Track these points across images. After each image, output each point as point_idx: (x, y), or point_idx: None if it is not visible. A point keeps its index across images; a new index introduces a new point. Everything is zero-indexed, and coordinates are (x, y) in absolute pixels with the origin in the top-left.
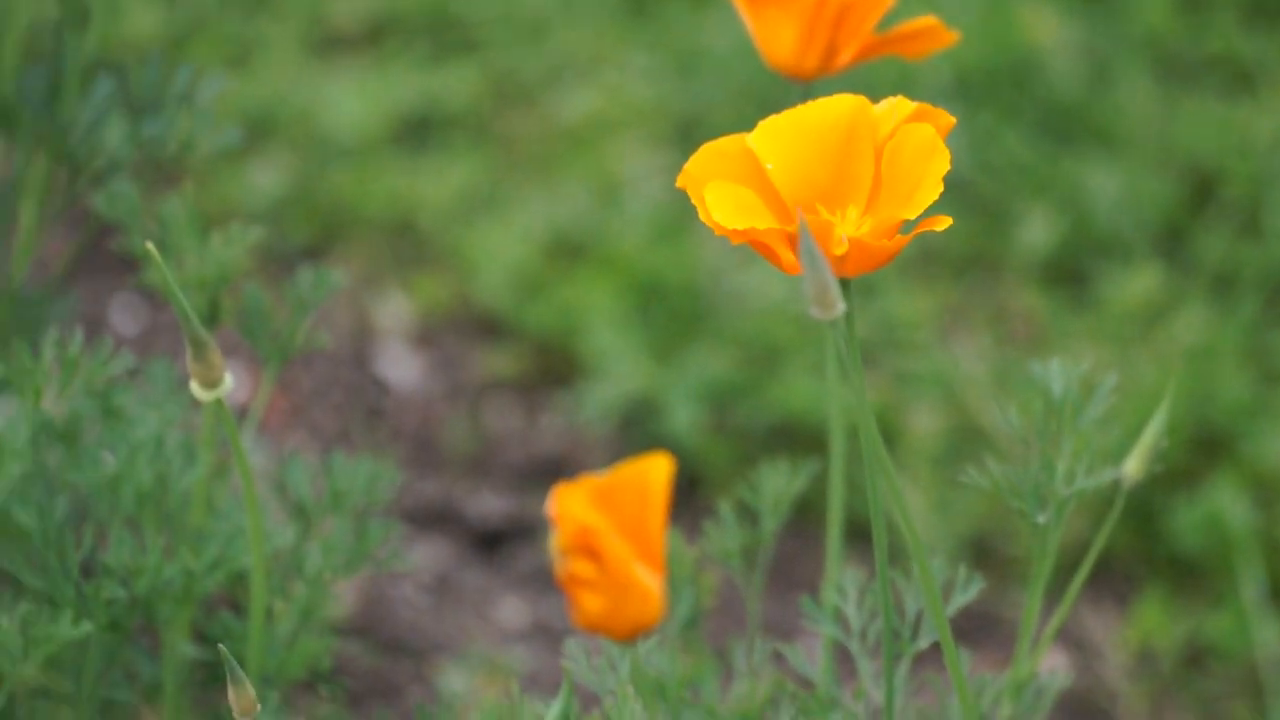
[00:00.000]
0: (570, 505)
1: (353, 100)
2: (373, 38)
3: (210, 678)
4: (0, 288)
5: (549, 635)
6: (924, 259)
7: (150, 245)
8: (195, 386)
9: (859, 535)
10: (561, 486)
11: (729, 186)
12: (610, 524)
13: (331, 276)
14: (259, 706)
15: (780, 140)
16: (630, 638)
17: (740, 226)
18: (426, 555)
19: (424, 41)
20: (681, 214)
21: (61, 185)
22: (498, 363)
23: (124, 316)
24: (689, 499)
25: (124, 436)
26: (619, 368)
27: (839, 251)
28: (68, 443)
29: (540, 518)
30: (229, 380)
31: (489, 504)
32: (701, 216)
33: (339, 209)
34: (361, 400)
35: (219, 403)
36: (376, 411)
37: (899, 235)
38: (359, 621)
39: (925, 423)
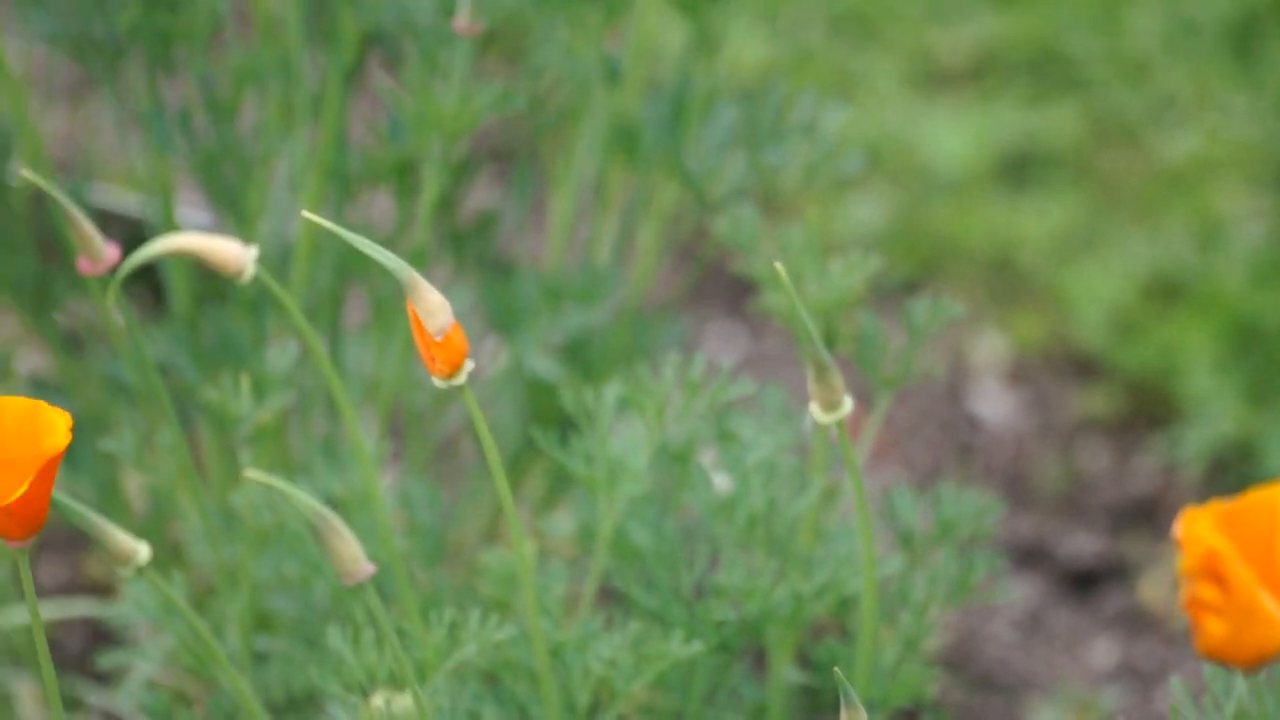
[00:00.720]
0: (1197, 529)
1: (955, 135)
2: (975, 74)
3: (812, 703)
4: (621, 309)
5: (1139, 677)
6: None
7: (778, 266)
8: (815, 409)
9: None
10: (1188, 510)
11: None
12: (1236, 549)
13: (949, 307)
14: None
15: None
16: (1253, 666)
17: None
18: (1018, 592)
19: (1026, 79)
20: None
21: (681, 211)
22: (1091, 402)
23: (722, 345)
24: None
25: (738, 460)
26: (1214, 410)
27: None
28: (681, 463)
29: (1132, 559)
30: (848, 403)
31: (1080, 543)
32: None
33: (938, 244)
34: (954, 436)
35: (840, 425)
36: (968, 448)
37: None
38: (950, 655)
39: None
